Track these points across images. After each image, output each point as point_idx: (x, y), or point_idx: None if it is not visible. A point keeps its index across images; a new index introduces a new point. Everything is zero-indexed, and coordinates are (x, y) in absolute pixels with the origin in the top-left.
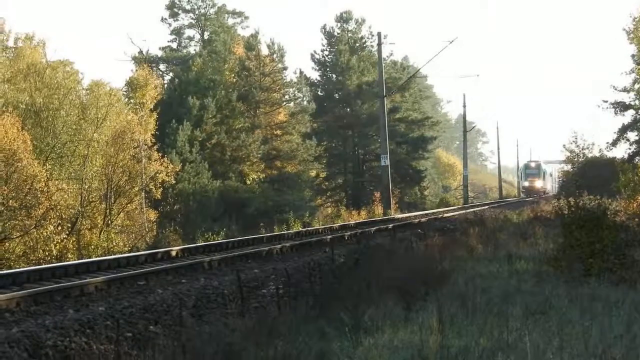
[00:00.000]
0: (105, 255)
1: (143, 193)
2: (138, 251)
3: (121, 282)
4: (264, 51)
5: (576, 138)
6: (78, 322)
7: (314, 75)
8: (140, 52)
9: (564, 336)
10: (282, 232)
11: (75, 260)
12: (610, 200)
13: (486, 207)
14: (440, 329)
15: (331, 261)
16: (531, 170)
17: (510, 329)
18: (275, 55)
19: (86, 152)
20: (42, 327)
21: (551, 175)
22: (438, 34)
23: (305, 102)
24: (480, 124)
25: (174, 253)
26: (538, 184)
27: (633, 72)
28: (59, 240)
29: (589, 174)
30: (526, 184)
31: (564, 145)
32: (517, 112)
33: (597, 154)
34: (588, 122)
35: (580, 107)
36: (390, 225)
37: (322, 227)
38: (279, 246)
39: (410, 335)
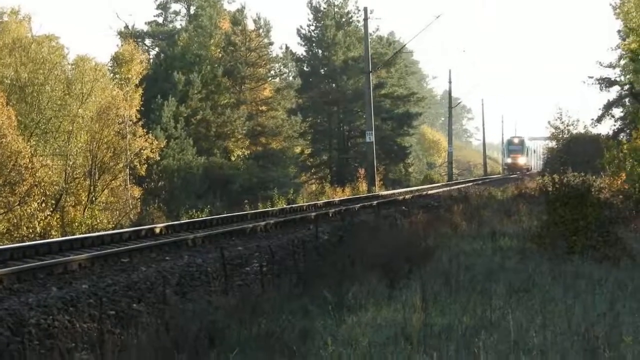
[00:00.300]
0: (89, 233)
1: (127, 169)
2: (122, 228)
3: (105, 259)
4: (250, 26)
5: (561, 114)
6: (61, 300)
7: (300, 50)
8: (126, 26)
9: (547, 314)
10: (267, 209)
11: (59, 237)
12: (594, 177)
13: (470, 184)
14: (423, 307)
15: (315, 238)
16: (514, 147)
17: (494, 307)
18: (261, 30)
19: (71, 128)
20: (25, 305)
21: (535, 151)
22: (424, 9)
23: (290, 78)
24: (465, 100)
25: (157, 230)
26: (521, 160)
27: (619, 47)
28: (43, 217)
29: (573, 151)
30: (509, 160)
31: (548, 122)
32: (503, 89)
33: (582, 131)
34: (574, 99)
35: (567, 83)
36: (375, 202)
37: (307, 204)
38: (263, 223)
39: (394, 314)
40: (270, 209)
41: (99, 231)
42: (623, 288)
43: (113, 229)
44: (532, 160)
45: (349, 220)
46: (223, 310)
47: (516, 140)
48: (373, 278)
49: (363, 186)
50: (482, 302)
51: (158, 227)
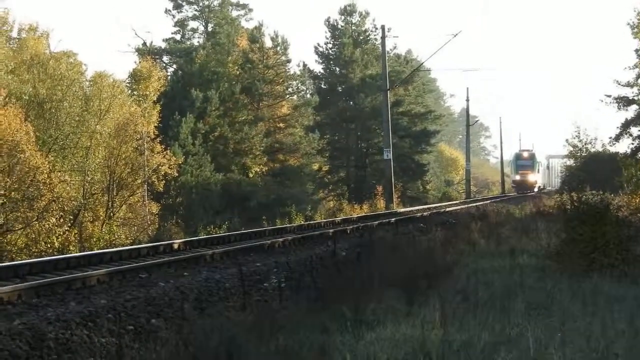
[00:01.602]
0: (107, 248)
1: (145, 185)
2: (140, 244)
3: (123, 274)
4: (268, 44)
5: (579, 133)
6: (80, 314)
7: (318, 68)
8: (144, 43)
9: (566, 331)
10: (284, 226)
11: (77, 252)
12: (612, 195)
13: (488, 201)
14: (442, 323)
15: (333, 255)
16: (523, 162)
17: (512, 324)
18: (278, 48)
19: (89, 143)
20: (43, 320)
21: (548, 168)
22: (442, 27)
23: (308, 95)
24: (483, 118)
25: (176, 246)
26: (531, 177)
27: (637, 66)
28: (61, 233)
29: (591, 169)
30: (517, 177)
31: (566, 140)
32: (521, 107)
33: (600, 149)
34: (592, 117)
35: (585, 101)
36: (393, 219)
37: (325, 220)
38: (281, 240)
39: (412, 330)
40: (288, 225)
41: (116, 247)
42: None
43: (131, 244)
44: (543, 177)
45: (367, 237)
46: (241, 325)
47: (525, 155)
48: (392, 294)
49: (381, 203)
50: (500, 318)
51: (176, 242)
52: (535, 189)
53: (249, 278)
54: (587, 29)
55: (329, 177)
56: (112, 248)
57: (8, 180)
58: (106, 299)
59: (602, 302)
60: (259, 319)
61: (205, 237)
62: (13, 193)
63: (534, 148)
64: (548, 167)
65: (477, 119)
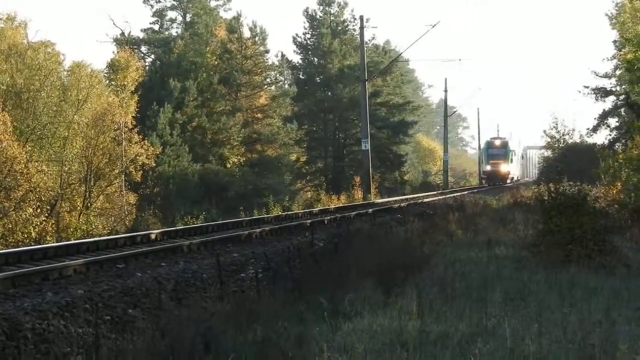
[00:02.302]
0: (84, 238)
1: (123, 176)
2: (117, 234)
3: (100, 265)
4: (246, 34)
5: (557, 124)
6: (57, 304)
7: (296, 58)
8: (122, 33)
9: (542, 322)
10: (262, 216)
11: (54, 242)
12: (590, 186)
13: (466, 192)
14: (419, 314)
15: (311, 245)
16: (495, 150)
17: (489, 315)
18: (257, 38)
19: (66, 134)
20: (20, 310)
21: (522, 157)
22: (421, 17)
23: (286, 86)
24: (461, 109)
25: (153, 236)
26: (504, 167)
27: (614, 57)
28: (38, 223)
29: (569, 160)
30: (488, 168)
31: (544, 131)
32: (500, 98)
33: (578, 140)
34: (570, 108)
35: (563, 92)
36: (370, 210)
37: (302, 211)
38: (258, 230)
39: (390, 321)
40: (265, 216)
41: (94, 237)
42: (618, 296)
43: (108, 235)
44: (516, 167)
45: (345, 228)
46: (219, 316)
47: (497, 143)
48: (369, 285)
49: (359, 194)
50: (478, 309)
51: (154, 233)
52: (509, 181)
53: (226, 268)
54: (566, 20)
55: (307, 167)
56: (89, 238)
57: None
58: (83, 290)
59: (578, 293)
60: (236, 309)
61: (182, 227)
62: None
63: (510, 136)
64: (523, 157)
65: (455, 110)
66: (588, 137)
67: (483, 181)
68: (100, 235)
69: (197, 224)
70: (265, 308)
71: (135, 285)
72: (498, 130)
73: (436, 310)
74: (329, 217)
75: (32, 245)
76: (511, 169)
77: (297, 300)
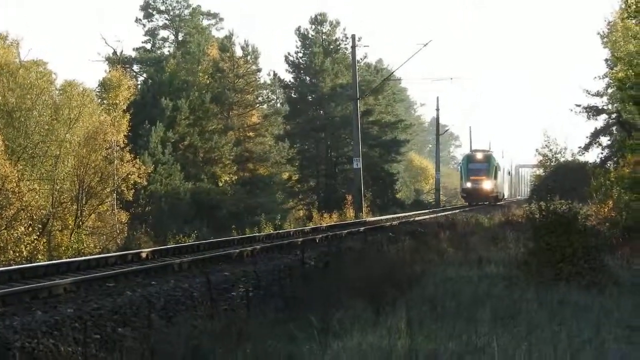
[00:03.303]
0: (75, 257)
1: (115, 194)
2: (108, 253)
3: (90, 283)
4: (238, 53)
5: (549, 142)
6: (46, 323)
7: (288, 77)
8: (114, 52)
9: (532, 340)
10: (253, 235)
11: (45, 261)
12: (581, 204)
13: (458, 210)
14: (408, 332)
15: (301, 264)
16: (476, 165)
17: (479, 333)
18: (249, 57)
19: (58, 152)
20: (9, 329)
21: (510, 173)
22: (413, 36)
23: (278, 104)
24: (453, 128)
25: (144, 255)
26: (487, 185)
27: (606, 76)
28: (30, 241)
29: (561, 178)
30: (468, 185)
31: (536, 150)
32: (492, 116)
33: (570, 158)
34: (562, 126)
35: (555, 110)
36: (362, 229)
37: (294, 230)
38: (249, 249)
39: (379, 339)
40: (257, 234)
41: (85, 256)
42: (609, 315)
43: (99, 253)
44: (504, 185)
45: (336, 246)
46: (208, 334)
47: (479, 156)
48: (359, 304)
49: (350, 212)
50: (467, 328)
51: (144, 251)
52: (492, 200)
53: (216, 287)
54: (558, 39)
55: (299, 186)
56: (80, 257)
57: None
58: (73, 308)
59: (568, 311)
60: (226, 328)
61: (173, 246)
62: None
63: (502, 154)
64: (510, 173)
65: (447, 128)
66: (580, 155)
67: (463, 200)
68: (91, 254)
69: (189, 242)
70: (255, 327)
71: (125, 303)
72: (489, 149)
73: (426, 329)
74: (320, 236)
75: (23, 264)
76: (496, 186)
77: (288, 318)
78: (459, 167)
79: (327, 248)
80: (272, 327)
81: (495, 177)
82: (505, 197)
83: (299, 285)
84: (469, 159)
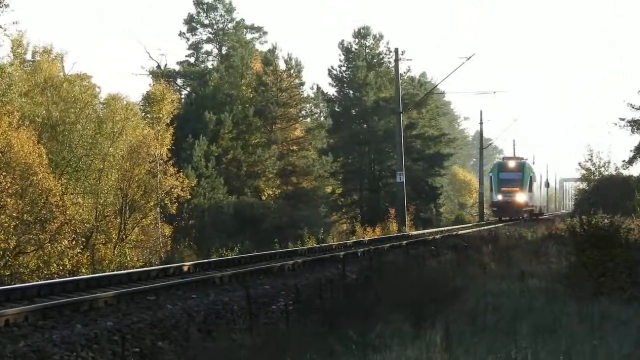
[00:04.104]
0: (118, 270)
1: (158, 208)
2: (150, 266)
3: (131, 297)
4: (282, 66)
5: (592, 156)
6: (85, 337)
7: (331, 91)
8: (158, 66)
9: (572, 354)
10: (295, 248)
11: (88, 275)
12: (624, 218)
13: (501, 224)
14: (447, 346)
15: (342, 277)
16: (509, 175)
17: (518, 347)
18: (292, 71)
19: (102, 166)
20: (49, 342)
21: (547, 184)
22: (457, 49)
23: (322, 118)
24: (497, 141)
25: (186, 268)
26: (520, 197)
27: None
28: (73, 255)
29: (604, 192)
30: (499, 197)
31: (579, 163)
32: (536, 129)
33: (613, 172)
34: (606, 140)
35: (599, 124)
36: (404, 242)
37: (336, 243)
38: (291, 262)
39: (418, 353)
40: (299, 248)
41: (128, 269)
42: None
43: (141, 267)
44: (538, 197)
45: (377, 260)
46: (247, 348)
47: (511, 165)
48: (399, 318)
49: (393, 226)
50: (507, 342)
51: (186, 265)
52: (526, 215)
53: (257, 301)
54: (602, 52)
55: (342, 199)
56: (123, 270)
57: (21, 202)
58: (113, 321)
59: (609, 325)
60: (265, 342)
61: (215, 259)
62: (25, 215)
63: (547, 168)
64: (547, 184)
65: (490, 142)
66: (624, 169)
67: (493, 214)
68: (133, 267)
69: (232, 256)
70: (294, 340)
71: (165, 317)
72: (533, 163)
73: (465, 343)
74: (362, 249)
75: (66, 278)
76: (530, 198)
77: (327, 332)
78: (489, 177)
79: (369, 262)
80: (311, 341)
81: (531, 189)
82: (543, 211)
83: (340, 299)
84: (500, 167)
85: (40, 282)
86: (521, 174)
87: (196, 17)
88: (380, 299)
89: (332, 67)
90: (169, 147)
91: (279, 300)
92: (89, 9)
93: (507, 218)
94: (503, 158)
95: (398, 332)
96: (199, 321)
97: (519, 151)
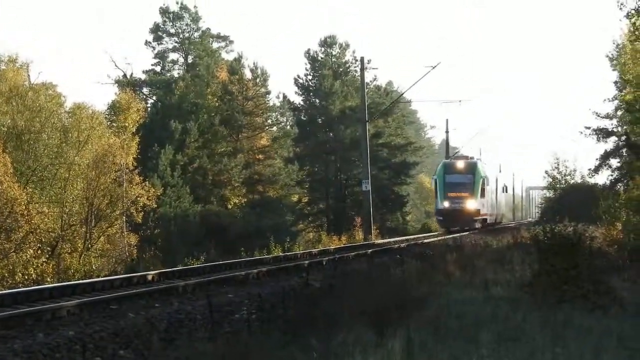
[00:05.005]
0: (82, 279)
1: (124, 217)
2: (115, 275)
3: (94, 306)
4: (247, 75)
5: (558, 164)
6: (47, 346)
7: (297, 99)
8: (124, 75)
9: None
10: (261, 257)
11: (53, 284)
12: (588, 226)
13: (466, 232)
14: (408, 355)
15: (306, 286)
16: (457, 177)
17: (481, 355)
18: (258, 80)
19: (67, 175)
20: (10, 352)
21: (505, 189)
22: (424, 59)
23: (288, 127)
24: (464, 150)
25: (150, 277)
26: (471, 204)
27: (615, 98)
28: (39, 264)
29: (570, 200)
30: (445, 204)
31: (546, 172)
32: (502, 138)
33: (579, 181)
34: (572, 148)
35: (565, 132)
36: (369, 251)
37: (301, 252)
38: (255, 271)
39: None
40: (264, 257)
41: (92, 278)
42: (611, 337)
43: (105, 276)
44: (496, 203)
45: (342, 269)
46: (209, 357)
47: (460, 166)
48: (362, 326)
49: (360, 235)
50: (469, 350)
51: (150, 274)
52: (478, 224)
53: (220, 309)
54: (567, 62)
55: (309, 208)
56: (86, 279)
57: None
58: (74, 331)
59: (572, 333)
60: (227, 351)
61: (179, 268)
62: None
63: (514, 175)
64: (505, 189)
65: (457, 151)
66: (590, 177)
67: (438, 224)
68: (98, 277)
69: (197, 264)
70: (257, 349)
71: (127, 326)
72: (500, 171)
73: (428, 351)
74: (327, 258)
75: (30, 287)
76: (483, 205)
77: (290, 341)
78: (434, 181)
79: (333, 270)
80: (273, 349)
81: (483, 194)
82: (500, 220)
83: (303, 308)
84: (446, 169)
85: (3, 292)
86: (472, 177)
87: (162, 26)
88: (344, 308)
89: (298, 76)
90: (134, 156)
91: (242, 309)
92: (54, 18)
93: (456, 228)
94: (450, 158)
95: (361, 340)
96: (161, 330)
97: (485, 159)
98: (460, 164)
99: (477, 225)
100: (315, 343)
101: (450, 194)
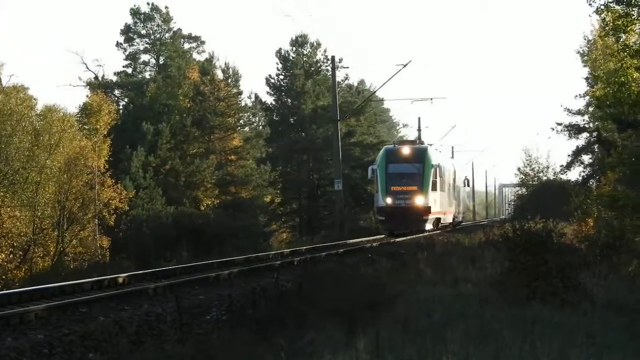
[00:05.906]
0: (51, 283)
1: (96, 220)
2: (85, 278)
3: (63, 309)
4: (219, 75)
5: (530, 161)
6: (15, 350)
7: (269, 99)
8: (96, 77)
9: (500, 359)
10: (232, 258)
11: (25, 288)
12: (558, 222)
13: (439, 231)
14: (377, 353)
15: (276, 286)
16: (402, 167)
17: (449, 353)
18: (230, 80)
19: (39, 178)
20: None
21: (467, 182)
22: (396, 58)
23: (260, 127)
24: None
25: (120, 280)
26: (420, 200)
27: (587, 94)
28: (11, 268)
29: (542, 197)
30: (388, 200)
31: (518, 169)
32: (475, 135)
33: (552, 177)
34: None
35: (537, 129)
36: (341, 250)
37: (273, 252)
38: (226, 272)
39: (349, 359)
40: (235, 258)
41: (63, 282)
42: (579, 333)
43: (76, 279)
44: (453, 198)
45: (312, 269)
46: (178, 358)
47: (406, 152)
48: (332, 325)
49: (332, 234)
50: (438, 348)
51: (121, 277)
52: (429, 226)
53: (190, 311)
54: (540, 58)
55: (281, 209)
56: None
57: None
58: (43, 334)
59: (540, 330)
60: (196, 352)
61: (150, 270)
62: None
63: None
64: (467, 182)
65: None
66: (562, 174)
67: (380, 225)
68: (67, 280)
69: (170, 266)
70: (226, 350)
71: (96, 329)
72: (472, 168)
73: (397, 349)
74: (299, 258)
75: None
76: (436, 202)
77: (259, 341)
78: (373, 171)
79: (304, 270)
80: (242, 349)
81: (435, 188)
82: (459, 219)
83: (273, 308)
84: (389, 156)
85: None
86: (420, 166)
87: (133, 27)
88: (313, 307)
89: (269, 76)
90: (106, 158)
91: (212, 310)
92: (24, 20)
93: (404, 231)
94: (395, 144)
95: (330, 339)
96: (130, 332)
97: (458, 157)
98: (406, 150)
99: (428, 226)
100: (283, 343)
101: (394, 187)
